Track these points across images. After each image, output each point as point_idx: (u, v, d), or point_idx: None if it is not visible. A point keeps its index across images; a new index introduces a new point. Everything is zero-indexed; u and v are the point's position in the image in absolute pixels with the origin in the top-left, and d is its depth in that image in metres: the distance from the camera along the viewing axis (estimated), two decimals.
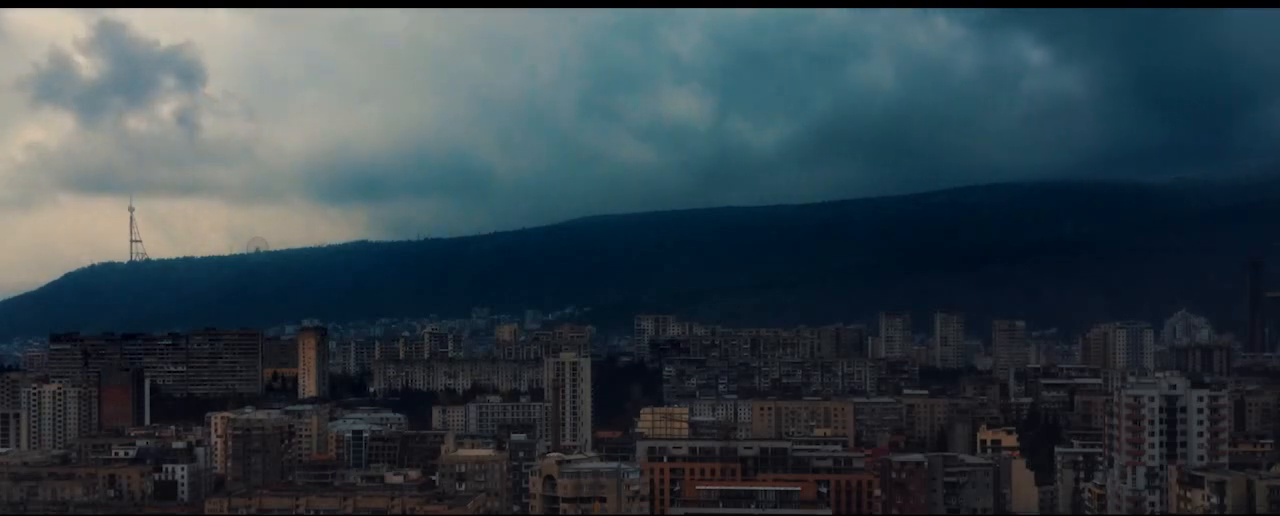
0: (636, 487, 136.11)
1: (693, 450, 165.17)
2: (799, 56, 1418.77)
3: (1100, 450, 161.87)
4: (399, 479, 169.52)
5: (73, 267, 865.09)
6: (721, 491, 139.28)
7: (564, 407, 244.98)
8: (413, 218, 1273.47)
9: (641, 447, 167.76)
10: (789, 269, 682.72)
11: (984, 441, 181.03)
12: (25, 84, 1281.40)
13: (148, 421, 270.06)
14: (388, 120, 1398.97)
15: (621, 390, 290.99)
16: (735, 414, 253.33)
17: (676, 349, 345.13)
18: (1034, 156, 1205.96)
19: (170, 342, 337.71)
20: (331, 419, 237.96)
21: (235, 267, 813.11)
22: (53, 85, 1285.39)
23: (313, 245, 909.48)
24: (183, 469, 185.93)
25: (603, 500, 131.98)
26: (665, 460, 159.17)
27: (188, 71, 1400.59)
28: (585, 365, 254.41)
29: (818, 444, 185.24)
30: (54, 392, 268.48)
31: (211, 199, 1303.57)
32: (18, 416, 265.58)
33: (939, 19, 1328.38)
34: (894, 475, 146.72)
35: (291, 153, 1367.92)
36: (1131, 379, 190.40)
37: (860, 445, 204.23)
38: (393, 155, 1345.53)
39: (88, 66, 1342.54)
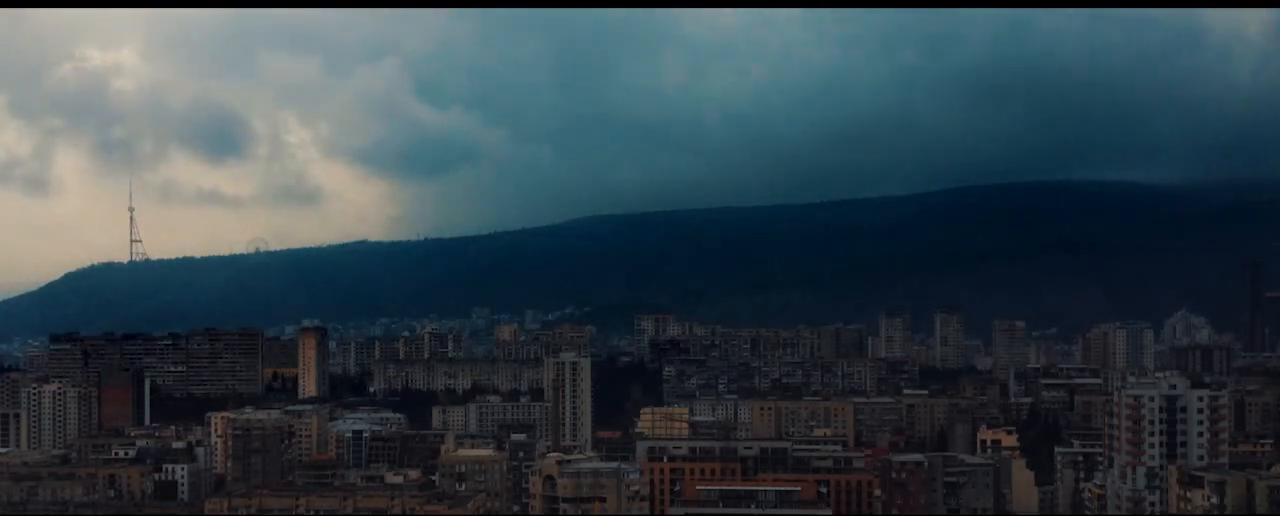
0: (636, 487, 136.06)
1: (693, 450, 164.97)
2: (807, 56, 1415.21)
3: (1100, 450, 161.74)
4: (399, 479, 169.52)
5: (73, 268, 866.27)
6: (721, 491, 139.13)
7: (564, 407, 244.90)
8: (414, 213, 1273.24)
9: (641, 447, 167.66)
10: (789, 269, 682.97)
11: (984, 441, 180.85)
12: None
13: (148, 421, 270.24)
14: (388, 112, 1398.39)
15: (621, 390, 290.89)
16: (735, 414, 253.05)
17: (676, 349, 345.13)
18: (1033, 156, 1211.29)
19: (170, 342, 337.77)
20: (331, 419, 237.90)
21: (235, 267, 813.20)
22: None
23: (313, 245, 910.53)
24: (183, 469, 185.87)
25: (603, 500, 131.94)
26: (665, 460, 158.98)
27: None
28: (585, 365, 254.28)
29: (818, 444, 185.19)
30: (54, 392, 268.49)
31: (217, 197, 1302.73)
32: (18, 416, 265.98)
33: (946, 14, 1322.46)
34: (894, 475, 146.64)
35: (291, 145, 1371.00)
36: (1131, 379, 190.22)
37: (860, 445, 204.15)
38: (394, 148, 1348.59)
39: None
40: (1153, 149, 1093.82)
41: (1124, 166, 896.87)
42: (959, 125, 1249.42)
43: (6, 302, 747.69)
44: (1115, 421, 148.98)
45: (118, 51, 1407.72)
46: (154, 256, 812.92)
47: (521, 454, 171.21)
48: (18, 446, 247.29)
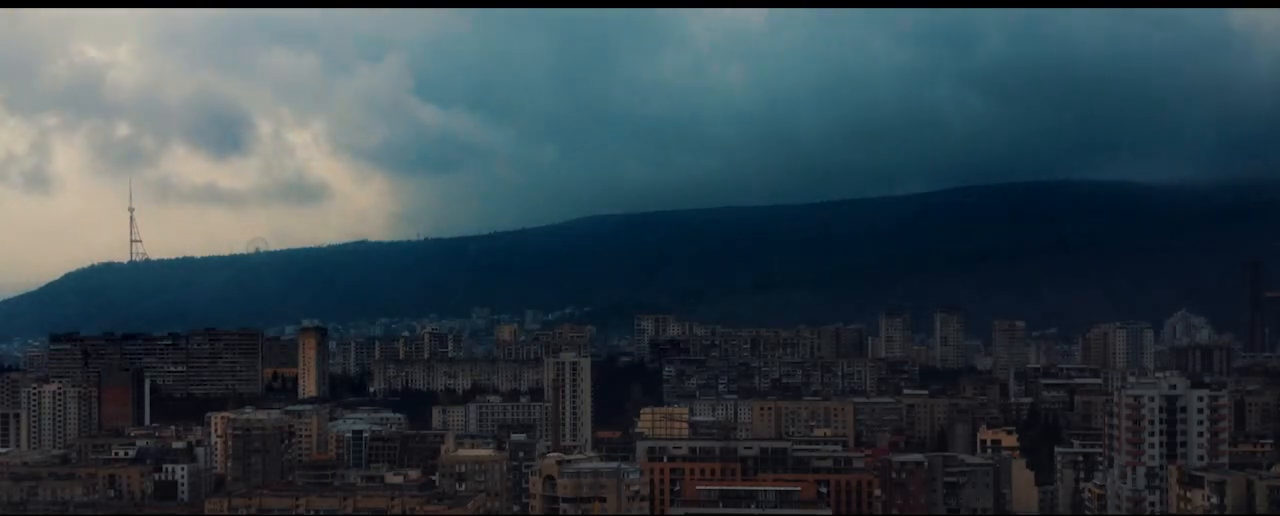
0: (636, 487, 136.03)
1: (693, 450, 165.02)
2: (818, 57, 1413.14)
3: (1100, 450, 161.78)
4: (399, 479, 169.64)
5: (73, 268, 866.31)
6: (721, 491, 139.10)
7: (564, 407, 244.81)
8: (415, 213, 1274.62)
9: (641, 447, 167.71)
10: (789, 269, 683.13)
11: (984, 441, 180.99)
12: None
13: (148, 421, 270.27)
14: (389, 111, 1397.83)
15: (621, 390, 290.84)
16: (735, 414, 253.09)
17: (676, 349, 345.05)
18: (1033, 156, 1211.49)
19: (170, 342, 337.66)
20: (331, 419, 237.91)
21: (235, 267, 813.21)
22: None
23: (313, 245, 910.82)
24: (183, 469, 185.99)
25: (603, 500, 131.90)
26: (665, 460, 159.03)
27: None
28: (585, 365, 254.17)
29: (818, 444, 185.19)
30: (54, 392, 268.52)
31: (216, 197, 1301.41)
32: (18, 416, 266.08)
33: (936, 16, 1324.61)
34: (894, 475, 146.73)
35: (292, 144, 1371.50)
36: (1131, 379, 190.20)
37: (860, 445, 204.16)
38: (394, 147, 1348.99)
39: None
40: (1165, 148, 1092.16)
41: (1132, 166, 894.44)
42: (960, 126, 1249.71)
43: (6, 303, 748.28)
44: (1115, 421, 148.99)
45: (115, 47, 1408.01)
46: (154, 256, 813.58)
47: (521, 454, 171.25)
48: (18, 446, 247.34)
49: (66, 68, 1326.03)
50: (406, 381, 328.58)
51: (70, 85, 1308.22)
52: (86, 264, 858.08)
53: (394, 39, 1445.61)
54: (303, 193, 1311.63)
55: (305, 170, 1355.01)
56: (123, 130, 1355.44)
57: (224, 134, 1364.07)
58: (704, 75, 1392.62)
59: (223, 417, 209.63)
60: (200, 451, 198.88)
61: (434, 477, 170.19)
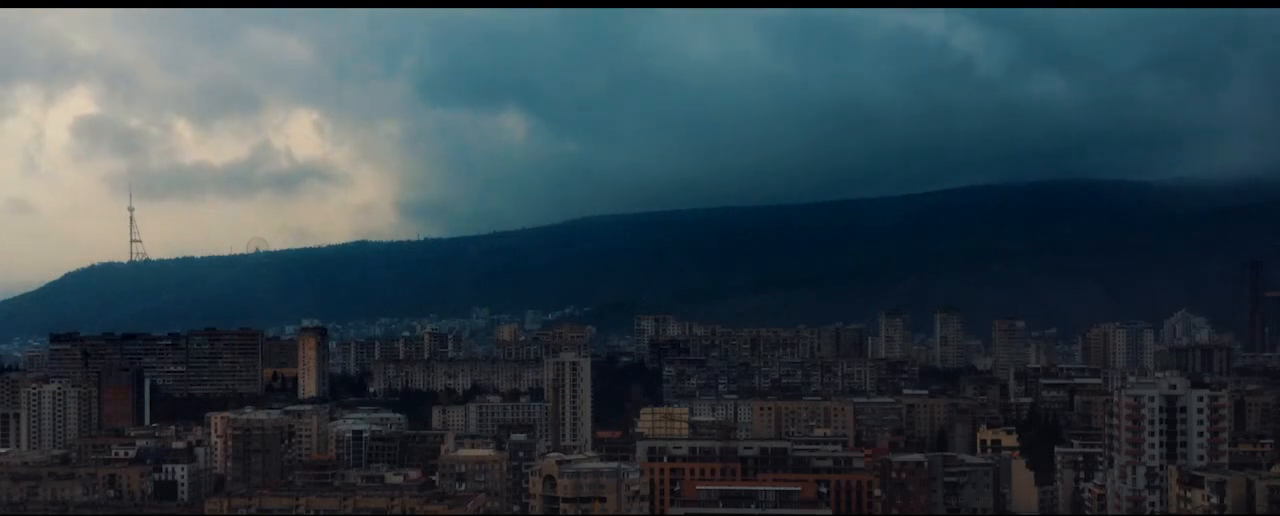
0: (636, 487, 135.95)
1: (693, 450, 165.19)
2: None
3: (1100, 450, 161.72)
4: (399, 479, 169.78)
5: (73, 268, 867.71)
6: (721, 491, 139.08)
7: (564, 407, 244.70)
8: (415, 212, 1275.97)
9: (641, 447, 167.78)
10: (789, 269, 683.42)
11: (984, 441, 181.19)
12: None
13: (148, 421, 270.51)
14: (391, 110, 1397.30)
15: (621, 390, 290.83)
16: (735, 414, 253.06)
17: (676, 349, 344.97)
18: (1034, 156, 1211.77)
19: (170, 342, 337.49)
20: (331, 419, 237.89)
21: (235, 267, 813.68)
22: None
23: (313, 245, 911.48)
24: (183, 469, 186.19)
25: (603, 500, 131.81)
26: (665, 460, 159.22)
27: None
28: (585, 365, 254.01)
29: (818, 444, 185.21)
30: (54, 392, 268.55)
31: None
32: (18, 416, 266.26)
33: (938, 16, 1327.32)
34: (894, 475, 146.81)
35: (292, 142, 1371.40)
36: (1131, 379, 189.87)
37: (860, 445, 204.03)
38: (394, 146, 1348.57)
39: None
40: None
41: (1141, 166, 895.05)
42: (961, 127, 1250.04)
43: (6, 303, 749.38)
44: (1115, 421, 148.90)
45: (111, 41, 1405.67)
46: (153, 256, 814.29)
47: (521, 454, 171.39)
48: (18, 446, 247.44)
49: (62, 58, 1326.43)
50: (406, 381, 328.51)
51: (66, 75, 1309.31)
52: (86, 264, 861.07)
53: (398, 36, 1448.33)
54: (303, 190, 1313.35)
55: (306, 168, 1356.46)
56: (122, 124, 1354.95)
57: (224, 131, 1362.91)
58: (701, 76, 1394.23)
59: (223, 417, 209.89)
60: (200, 451, 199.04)
61: (434, 477, 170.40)
